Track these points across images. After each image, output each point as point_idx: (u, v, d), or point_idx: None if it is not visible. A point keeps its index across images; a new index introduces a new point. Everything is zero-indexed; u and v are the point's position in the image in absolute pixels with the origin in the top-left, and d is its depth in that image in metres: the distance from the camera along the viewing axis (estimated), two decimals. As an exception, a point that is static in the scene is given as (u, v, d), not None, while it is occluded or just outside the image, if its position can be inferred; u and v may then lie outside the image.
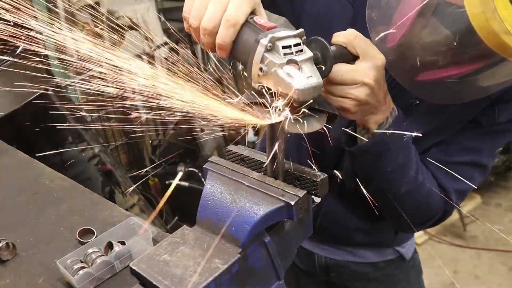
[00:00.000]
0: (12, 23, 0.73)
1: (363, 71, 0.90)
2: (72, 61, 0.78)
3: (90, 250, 1.09)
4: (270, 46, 0.74)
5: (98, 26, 0.80)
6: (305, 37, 0.78)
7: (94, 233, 1.21)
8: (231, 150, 0.88)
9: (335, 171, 1.03)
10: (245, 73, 0.79)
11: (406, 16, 0.87)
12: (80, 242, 1.19)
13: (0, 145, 1.73)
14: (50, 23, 0.75)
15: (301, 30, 0.77)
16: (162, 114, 0.78)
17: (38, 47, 0.76)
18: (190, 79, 0.78)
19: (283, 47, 0.73)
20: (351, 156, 1.11)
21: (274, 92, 0.75)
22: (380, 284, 1.51)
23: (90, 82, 0.79)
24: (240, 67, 0.81)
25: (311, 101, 0.75)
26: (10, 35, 0.75)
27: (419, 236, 3.86)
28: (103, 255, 1.09)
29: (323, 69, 0.86)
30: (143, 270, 0.67)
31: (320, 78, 0.76)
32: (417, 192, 1.11)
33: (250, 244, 0.71)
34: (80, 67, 0.76)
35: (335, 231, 1.40)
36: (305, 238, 0.87)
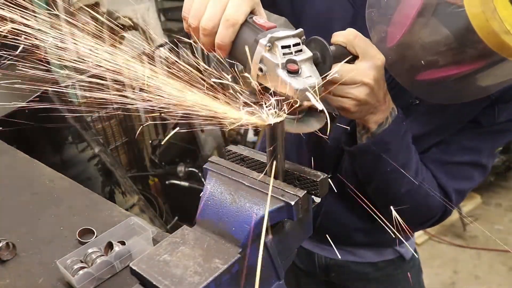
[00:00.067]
0: (11, 23, 0.74)
1: (363, 71, 0.90)
2: (72, 60, 0.78)
3: (90, 250, 1.09)
4: (270, 46, 0.74)
5: (98, 26, 0.80)
6: (304, 37, 0.78)
7: (94, 233, 1.21)
8: (231, 150, 0.88)
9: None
10: (244, 73, 0.79)
11: (406, 16, 0.87)
12: (80, 242, 1.19)
13: (0, 145, 1.73)
14: (50, 23, 0.75)
15: (300, 30, 0.77)
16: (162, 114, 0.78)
17: (38, 48, 0.76)
18: (189, 79, 0.78)
19: (282, 47, 0.73)
20: (351, 156, 1.11)
21: (274, 92, 0.75)
22: (380, 284, 1.51)
23: (90, 82, 0.79)
24: (240, 67, 0.81)
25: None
26: (10, 35, 0.75)
27: (419, 236, 3.86)
28: (103, 255, 1.09)
29: (323, 68, 0.86)
30: (143, 270, 0.67)
31: (320, 78, 0.76)
32: (417, 192, 1.11)
33: (250, 244, 0.71)
34: (80, 65, 0.76)
35: (335, 231, 1.39)
36: (305, 238, 0.87)
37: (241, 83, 0.77)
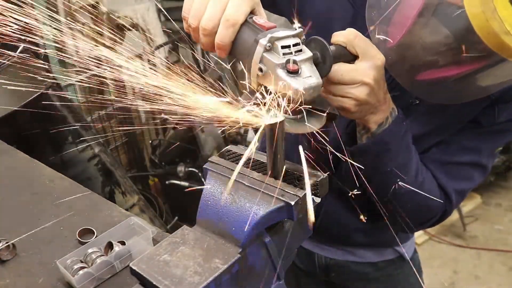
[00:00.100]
0: (11, 23, 0.73)
1: (363, 71, 0.90)
2: (71, 60, 0.78)
3: (90, 250, 1.09)
4: (269, 46, 0.74)
5: (97, 26, 0.80)
6: (304, 37, 0.78)
7: (94, 233, 1.21)
8: (231, 150, 0.88)
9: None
10: (244, 73, 0.79)
11: (406, 16, 0.87)
12: (80, 242, 1.19)
13: (0, 145, 1.73)
14: (50, 23, 0.75)
15: (300, 30, 0.77)
16: (162, 114, 0.78)
17: (37, 48, 0.76)
18: (189, 80, 0.78)
19: (282, 47, 0.73)
20: (351, 156, 1.11)
21: (274, 92, 0.75)
22: (380, 284, 1.51)
23: (90, 82, 0.79)
24: (240, 67, 0.81)
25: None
26: (9, 35, 0.75)
27: (419, 236, 3.86)
28: (103, 255, 1.09)
29: (323, 68, 0.86)
30: (143, 270, 0.67)
31: (320, 78, 0.76)
32: (417, 192, 1.11)
33: (250, 244, 0.71)
34: (80, 64, 0.76)
35: (335, 231, 1.39)
36: (305, 238, 0.87)
37: (240, 84, 0.77)
